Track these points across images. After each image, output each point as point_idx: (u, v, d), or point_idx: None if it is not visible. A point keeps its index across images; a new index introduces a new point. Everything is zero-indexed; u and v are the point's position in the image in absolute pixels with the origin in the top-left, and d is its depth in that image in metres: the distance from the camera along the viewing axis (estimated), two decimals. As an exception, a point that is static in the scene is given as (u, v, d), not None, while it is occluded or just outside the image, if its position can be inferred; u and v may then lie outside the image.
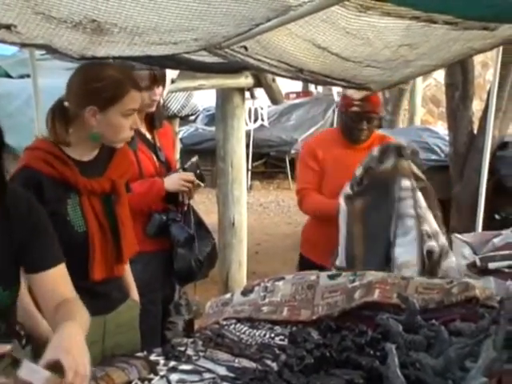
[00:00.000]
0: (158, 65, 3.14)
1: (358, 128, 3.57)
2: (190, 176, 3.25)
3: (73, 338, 1.73)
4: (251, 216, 5.94)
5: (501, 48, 3.75)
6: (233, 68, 4.40)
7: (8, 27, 2.21)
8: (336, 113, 11.33)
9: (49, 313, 1.98)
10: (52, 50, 2.58)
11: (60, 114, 2.41)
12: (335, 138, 3.74)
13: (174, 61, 3.04)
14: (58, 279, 1.99)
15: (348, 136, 3.65)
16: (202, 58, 3.20)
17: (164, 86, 3.34)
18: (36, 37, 2.34)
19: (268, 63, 2.93)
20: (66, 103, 2.41)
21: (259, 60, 2.88)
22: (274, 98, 5.70)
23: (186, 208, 3.32)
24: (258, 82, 5.36)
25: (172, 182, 3.20)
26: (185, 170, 3.31)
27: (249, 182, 11.45)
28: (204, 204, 9.15)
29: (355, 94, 3.53)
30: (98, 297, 2.45)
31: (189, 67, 3.56)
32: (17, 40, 2.38)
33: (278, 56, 2.84)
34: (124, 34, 2.39)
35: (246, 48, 2.72)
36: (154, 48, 2.61)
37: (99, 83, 2.36)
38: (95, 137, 2.42)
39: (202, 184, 3.34)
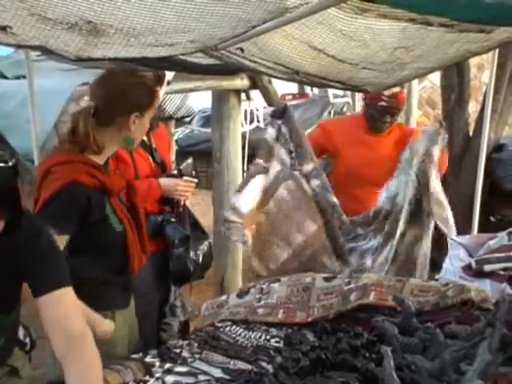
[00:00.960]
0: (153, 66, 3.13)
1: (382, 120, 3.82)
2: (187, 187, 3.26)
3: None
4: (247, 217, 5.91)
5: (497, 50, 3.75)
6: (229, 70, 4.38)
7: (3, 28, 2.19)
8: (332, 113, 11.37)
9: (55, 342, 1.86)
10: (48, 52, 2.57)
11: (92, 122, 2.44)
12: (357, 123, 3.95)
13: (169, 62, 3.03)
14: (60, 303, 1.90)
15: (372, 125, 3.87)
16: (197, 60, 3.19)
17: (162, 87, 3.34)
18: (32, 38, 2.33)
19: (264, 65, 2.92)
20: (97, 111, 2.44)
21: (255, 62, 2.88)
22: (270, 100, 5.69)
23: (181, 209, 3.32)
24: (254, 84, 5.34)
25: (169, 188, 3.21)
26: (180, 171, 3.30)
27: (244, 184, 11.39)
28: (199, 206, 9.09)
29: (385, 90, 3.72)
30: (129, 289, 2.62)
31: (184, 69, 3.55)
32: (12, 41, 2.36)
33: (274, 58, 2.83)
34: (120, 36, 2.37)
35: (242, 50, 2.72)
36: (150, 49, 2.59)
37: (142, 90, 2.50)
38: (131, 141, 2.52)
39: (195, 180, 3.35)
